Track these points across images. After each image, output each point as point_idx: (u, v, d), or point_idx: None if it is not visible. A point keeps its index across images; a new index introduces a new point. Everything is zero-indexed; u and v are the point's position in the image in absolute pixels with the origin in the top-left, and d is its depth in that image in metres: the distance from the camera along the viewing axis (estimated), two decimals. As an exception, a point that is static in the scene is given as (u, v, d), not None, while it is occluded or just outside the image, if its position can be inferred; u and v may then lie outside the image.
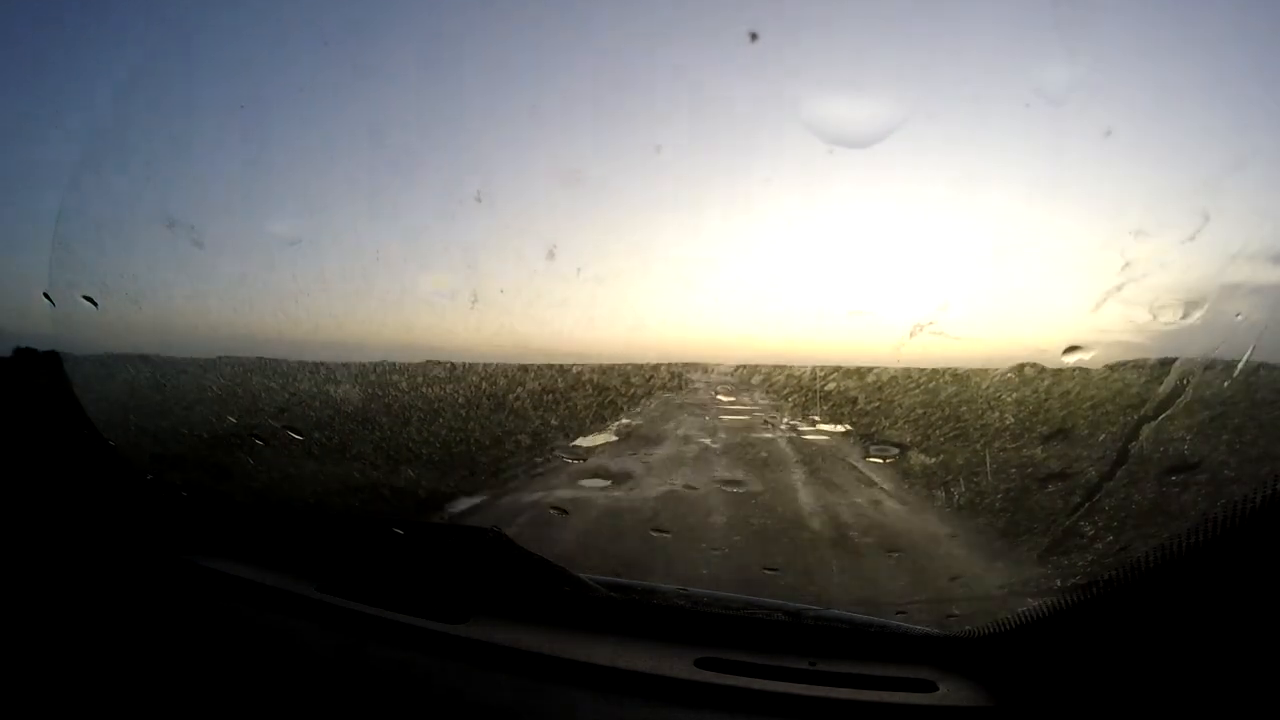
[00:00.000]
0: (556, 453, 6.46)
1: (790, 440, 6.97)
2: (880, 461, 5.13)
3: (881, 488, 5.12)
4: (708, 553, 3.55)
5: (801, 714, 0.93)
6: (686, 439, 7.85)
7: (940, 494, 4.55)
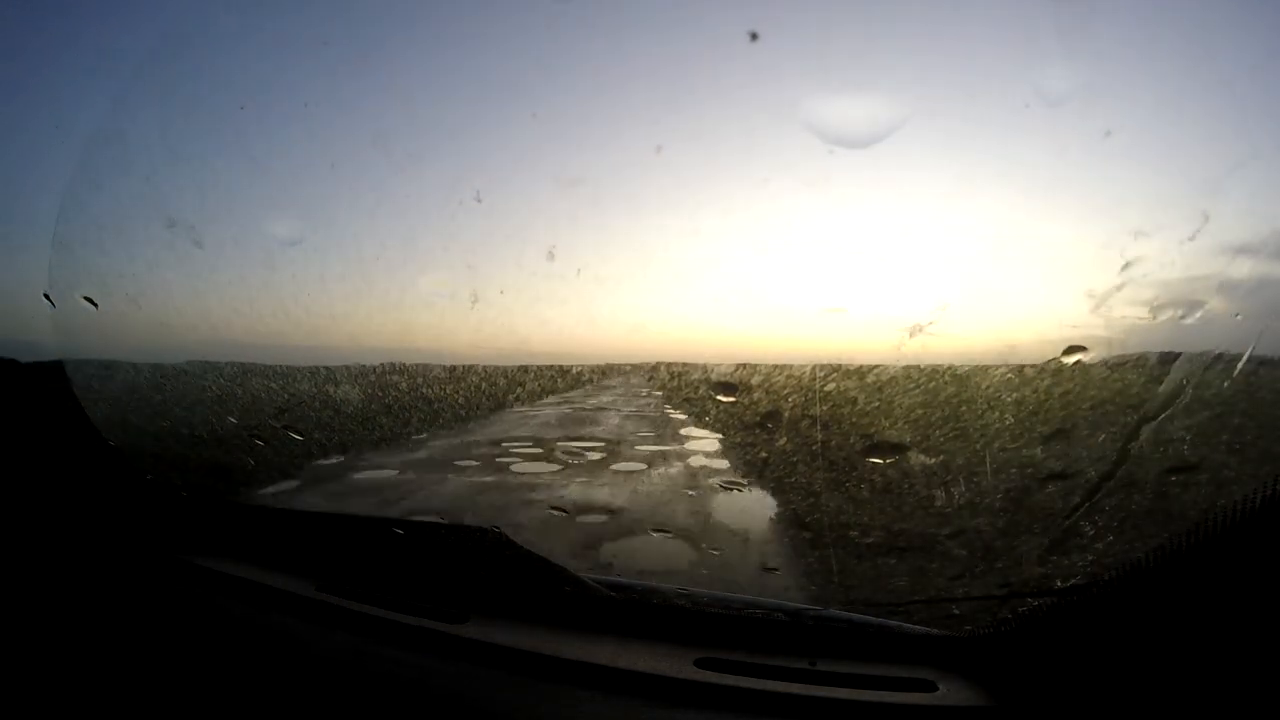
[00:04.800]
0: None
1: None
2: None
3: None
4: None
5: (801, 714, 0.93)
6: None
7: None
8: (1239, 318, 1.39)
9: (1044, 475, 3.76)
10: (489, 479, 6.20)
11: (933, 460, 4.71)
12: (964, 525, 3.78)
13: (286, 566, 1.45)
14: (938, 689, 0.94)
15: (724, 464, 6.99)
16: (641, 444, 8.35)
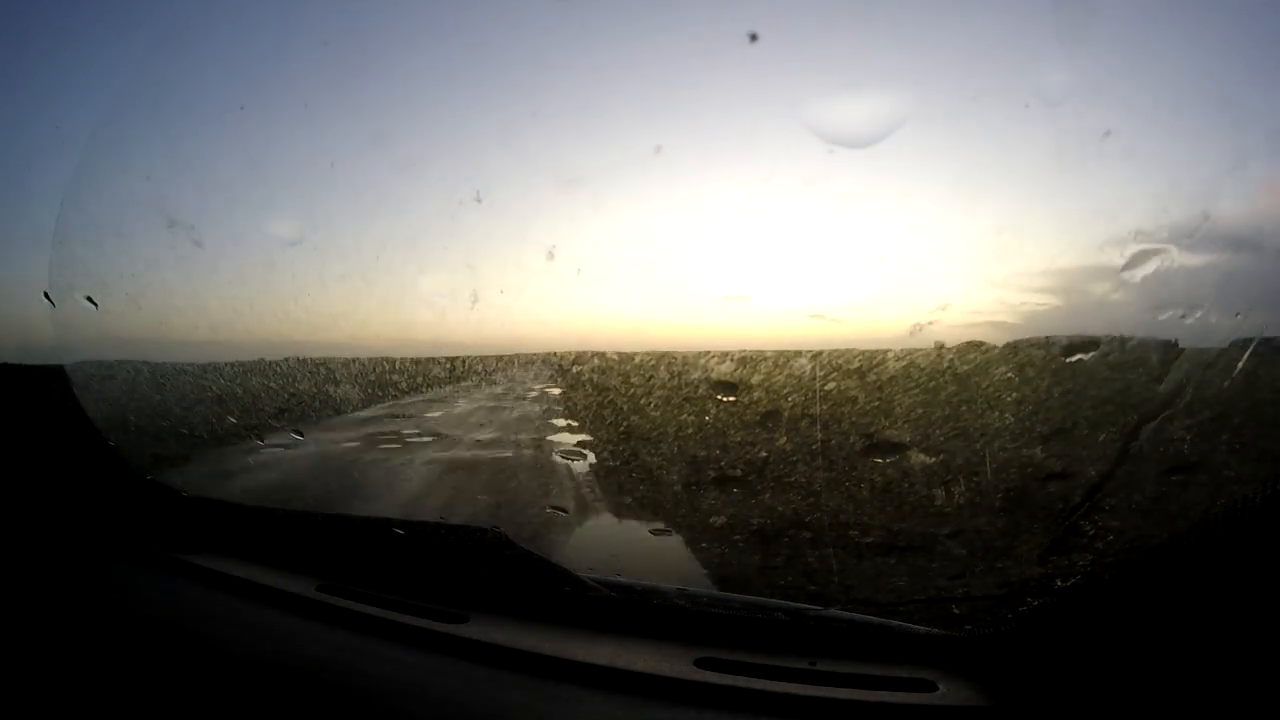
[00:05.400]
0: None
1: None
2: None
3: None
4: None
5: (801, 714, 0.93)
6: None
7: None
8: (1239, 317, 1.39)
9: (1044, 475, 3.77)
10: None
11: (933, 460, 4.71)
12: (964, 525, 3.79)
13: (286, 566, 1.45)
14: (938, 689, 0.94)
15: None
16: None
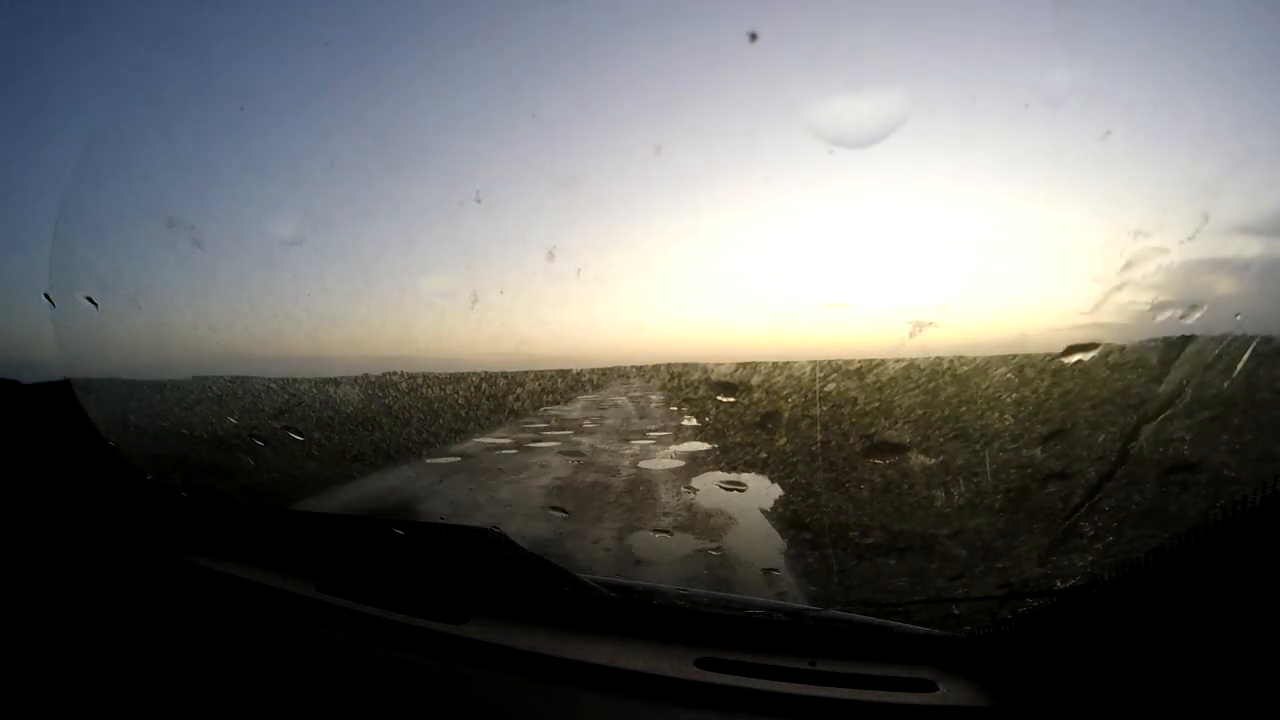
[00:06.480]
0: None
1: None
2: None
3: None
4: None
5: (801, 714, 0.93)
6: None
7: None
8: (1239, 318, 1.39)
9: (1044, 475, 3.77)
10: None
11: (933, 460, 4.71)
12: (964, 525, 3.78)
13: (286, 566, 1.45)
14: (938, 689, 0.94)
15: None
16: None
